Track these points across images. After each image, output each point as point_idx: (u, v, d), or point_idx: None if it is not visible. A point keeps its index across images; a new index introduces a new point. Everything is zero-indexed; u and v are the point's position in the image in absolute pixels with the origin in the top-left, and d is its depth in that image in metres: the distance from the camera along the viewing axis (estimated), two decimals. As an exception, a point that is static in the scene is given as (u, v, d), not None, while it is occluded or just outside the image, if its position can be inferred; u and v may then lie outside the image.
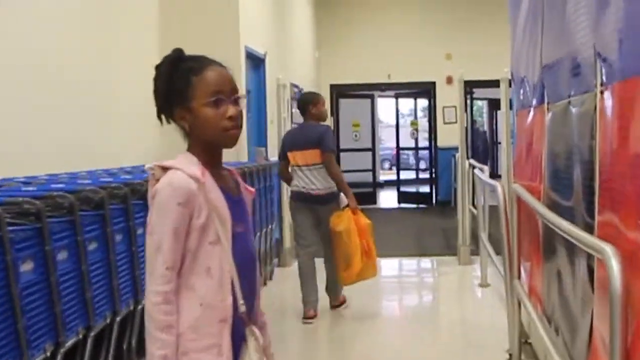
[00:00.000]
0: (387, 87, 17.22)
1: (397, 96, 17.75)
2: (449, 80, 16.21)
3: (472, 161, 9.86)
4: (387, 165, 29.68)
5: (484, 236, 7.63)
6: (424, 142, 18.43)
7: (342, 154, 16.02)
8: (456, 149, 9.82)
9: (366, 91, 17.70)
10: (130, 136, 7.42)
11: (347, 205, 6.64)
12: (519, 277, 4.75)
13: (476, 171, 8.09)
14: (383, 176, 23.05)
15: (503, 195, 5.04)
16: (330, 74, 16.64)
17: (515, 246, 4.72)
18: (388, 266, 9.48)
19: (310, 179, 6.72)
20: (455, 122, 13.03)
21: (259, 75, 10.58)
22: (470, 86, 16.04)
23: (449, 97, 15.89)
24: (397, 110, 18.08)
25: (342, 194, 6.72)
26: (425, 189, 17.84)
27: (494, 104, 23.10)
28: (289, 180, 6.99)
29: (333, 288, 7.00)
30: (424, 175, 18.74)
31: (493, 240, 7.84)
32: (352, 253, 6.50)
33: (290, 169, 6.95)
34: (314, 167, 6.72)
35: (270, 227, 8.47)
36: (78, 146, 6.13)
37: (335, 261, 6.67)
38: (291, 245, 9.45)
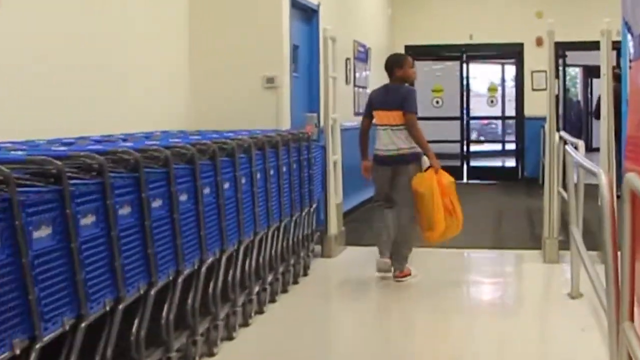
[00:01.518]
0: (468, 49, 15.39)
1: (467, 59, 15.68)
2: (539, 41, 14.41)
3: (564, 134, 8.12)
4: (474, 135, 27.67)
5: (576, 232, 5.87)
6: (510, 112, 16.54)
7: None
8: (545, 119, 8.08)
9: (448, 53, 15.87)
10: (152, 101, 6.80)
11: (430, 166, 6.64)
12: (632, 317, 3.11)
13: (568, 148, 6.34)
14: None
15: (609, 188, 3.38)
16: (405, 33, 14.94)
17: (628, 269, 3.09)
18: (451, 261, 7.83)
19: (392, 138, 6.70)
20: (545, 88, 11.25)
21: (311, 29, 9.00)
22: (562, 48, 14.33)
23: (538, 60, 14.07)
24: (463, 74, 15.77)
25: (424, 157, 6.73)
26: (510, 162, 16.06)
27: (590, 71, 21.31)
28: (364, 140, 6.99)
29: (398, 257, 6.75)
30: (510, 147, 16.87)
31: (587, 231, 6.17)
32: (436, 215, 6.47)
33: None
34: (396, 128, 6.70)
35: (309, 209, 6.92)
36: (88, 110, 5.70)
37: (417, 221, 6.66)
38: (338, 231, 7.89)
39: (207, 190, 4.50)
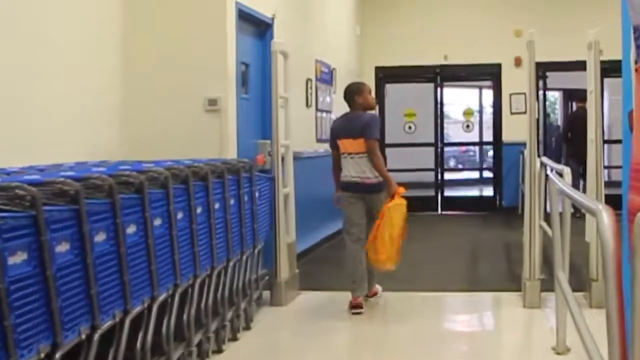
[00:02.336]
0: (443, 70, 14.53)
1: (441, 81, 14.72)
2: (518, 62, 13.67)
3: (545, 159, 7.25)
4: (452, 163, 26.74)
5: (562, 278, 4.95)
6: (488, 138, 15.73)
7: (387, 150, 13.41)
8: (524, 144, 7.22)
9: (421, 74, 14.97)
10: (72, 130, 5.84)
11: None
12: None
13: (552, 177, 5.43)
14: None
15: (614, 233, 2.49)
16: (375, 54, 14.14)
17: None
18: (420, 307, 6.84)
19: (360, 166, 6.62)
20: (525, 112, 10.44)
21: (265, 45, 8.08)
22: (543, 69, 13.53)
23: (517, 82, 13.23)
24: (438, 97, 14.79)
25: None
26: (488, 191, 15.26)
27: (570, 95, 20.72)
28: (338, 171, 6.82)
29: (369, 277, 6.75)
30: (488, 174, 16.05)
31: (574, 269, 5.27)
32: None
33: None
34: (362, 156, 6.61)
35: (252, 251, 5.97)
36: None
37: None
38: (290, 275, 6.93)
39: (101, 237, 3.53)
